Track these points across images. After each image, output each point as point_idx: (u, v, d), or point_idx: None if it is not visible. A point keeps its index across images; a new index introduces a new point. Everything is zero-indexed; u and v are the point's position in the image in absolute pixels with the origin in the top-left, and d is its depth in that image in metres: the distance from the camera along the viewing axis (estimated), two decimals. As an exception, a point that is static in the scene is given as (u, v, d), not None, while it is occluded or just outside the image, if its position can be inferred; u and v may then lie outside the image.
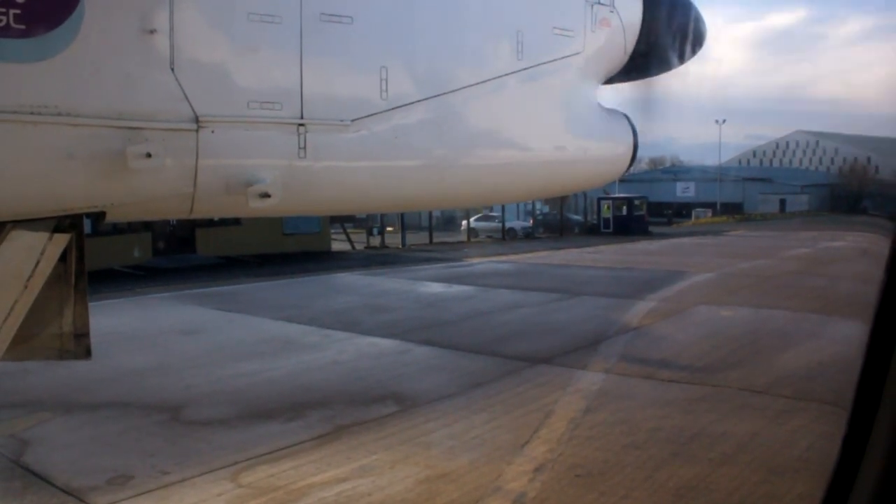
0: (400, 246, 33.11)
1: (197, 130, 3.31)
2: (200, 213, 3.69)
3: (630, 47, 5.27)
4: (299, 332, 12.09)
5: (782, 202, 78.41)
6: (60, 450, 6.54)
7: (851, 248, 29.27)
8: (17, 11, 2.87)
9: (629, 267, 23.15)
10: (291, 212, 4.50)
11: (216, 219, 21.48)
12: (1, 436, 6.81)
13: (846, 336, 10.82)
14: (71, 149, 3.09)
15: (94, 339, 3.65)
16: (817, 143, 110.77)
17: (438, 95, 4.10)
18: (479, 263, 25.18)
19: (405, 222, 35.38)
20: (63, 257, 3.42)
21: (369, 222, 34.86)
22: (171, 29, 3.21)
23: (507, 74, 4.40)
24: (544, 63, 4.61)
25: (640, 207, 46.24)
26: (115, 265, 20.74)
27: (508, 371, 9.28)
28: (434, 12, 4.31)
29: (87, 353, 3.64)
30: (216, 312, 14.42)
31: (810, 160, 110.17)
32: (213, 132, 3.35)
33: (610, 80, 5.46)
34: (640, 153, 5.52)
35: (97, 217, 3.46)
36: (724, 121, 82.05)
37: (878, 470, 1.46)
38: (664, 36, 5.47)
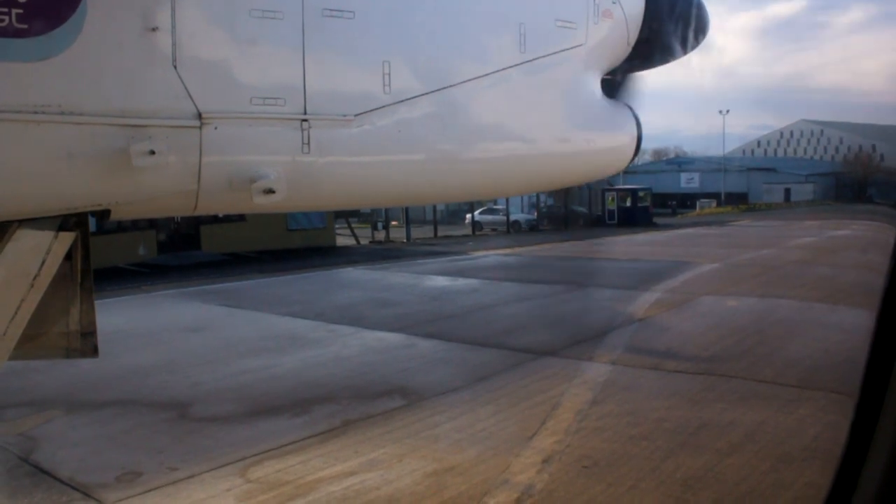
0: (404, 240, 33.14)
1: (200, 127, 3.31)
2: (204, 209, 3.68)
3: (633, 38, 5.25)
4: (305, 328, 12.11)
5: (787, 192, 78.19)
6: (69, 447, 6.57)
7: (857, 236, 29.20)
8: (20, 11, 2.87)
9: (634, 258, 23.13)
10: (296, 208, 4.49)
11: (220, 215, 21.50)
12: (9, 434, 6.84)
13: (852, 325, 10.81)
14: (74, 147, 3.09)
15: (101, 338, 3.66)
16: (822, 132, 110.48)
17: (441, 89, 4.09)
18: (484, 256, 25.19)
19: (409, 216, 35.41)
20: (69, 256, 3.43)
21: (374, 217, 34.90)
22: (174, 26, 3.21)
23: (509, 67, 4.39)
24: (547, 55, 4.59)
25: (644, 199, 46.22)
26: (121, 263, 20.79)
27: (514, 363, 9.29)
28: (436, 6, 4.30)
29: (93, 352, 3.64)
30: (221, 309, 14.45)
31: (815, 149, 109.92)
32: (216, 129, 3.35)
33: (613, 72, 5.45)
34: (644, 144, 5.51)
35: (102, 215, 3.47)
36: (727, 111, 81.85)
37: (885, 458, 1.46)
38: (667, 26, 5.45)
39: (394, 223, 35.99)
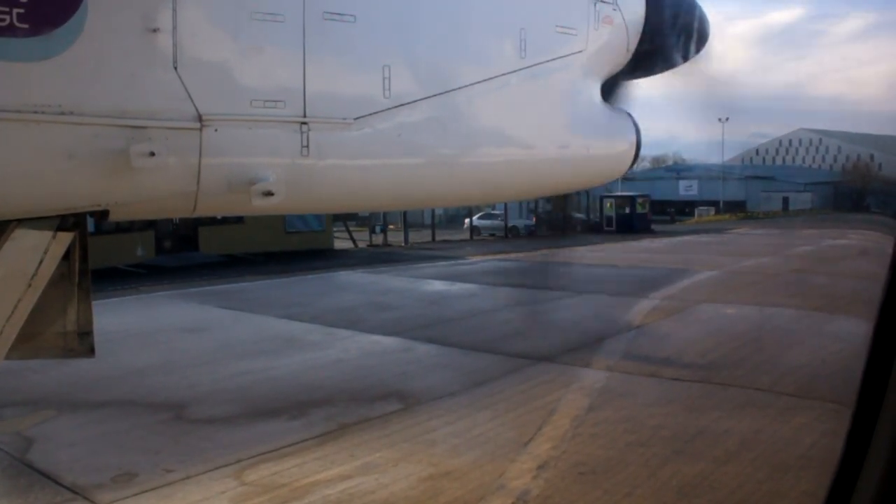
0: (402, 244, 33.11)
1: (200, 129, 3.31)
2: (203, 211, 3.68)
3: (633, 46, 5.25)
4: (302, 330, 12.10)
5: (785, 200, 78.19)
6: (65, 448, 6.55)
7: (855, 246, 29.22)
8: (21, 11, 2.87)
9: (632, 265, 23.14)
10: (294, 210, 4.49)
11: (219, 217, 21.49)
12: (5, 434, 6.82)
13: (850, 334, 10.81)
14: (74, 148, 3.09)
15: (98, 338, 3.66)
16: (820, 140, 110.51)
17: (441, 94, 4.09)
18: (482, 261, 25.18)
19: (408, 220, 35.39)
20: (67, 256, 3.42)
21: (372, 220, 34.87)
22: (175, 28, 3.21)
23: (509, 72, 4.39)
24: (547, 61, 4.60)
25: (642, 205, 46.21)
26: (119, 264, 20.76)
27: (511, 369, 9.28)
28: (437, 10, 4.31)
29: (90, 352, 3.64)
30: (219, 310, 14.44)
31: (813, 158, 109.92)
32: (216, 131, 3.35)
33: (613, 79, 5.45)
34: (643, 151, 5.51)
35: (100, 216, 3.47)
36: (727, 119, 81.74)
37: (881, 467, 1.46)
38: (667, 34, 5.46)
39: (392, 227, 35.94)
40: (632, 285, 17.51)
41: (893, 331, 1.51)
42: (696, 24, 5.59)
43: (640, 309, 13.83)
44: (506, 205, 39.43)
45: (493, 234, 41.99)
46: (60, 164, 3.09)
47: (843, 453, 1.58)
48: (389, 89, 3.86)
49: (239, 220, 23.72)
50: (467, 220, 42.84)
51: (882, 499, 1.45)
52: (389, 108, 3.89)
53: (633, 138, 5.32)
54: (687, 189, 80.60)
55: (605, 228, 43.86)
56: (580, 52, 4.79)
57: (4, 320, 3.26)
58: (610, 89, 5.40)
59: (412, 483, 5.70)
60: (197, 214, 3.76)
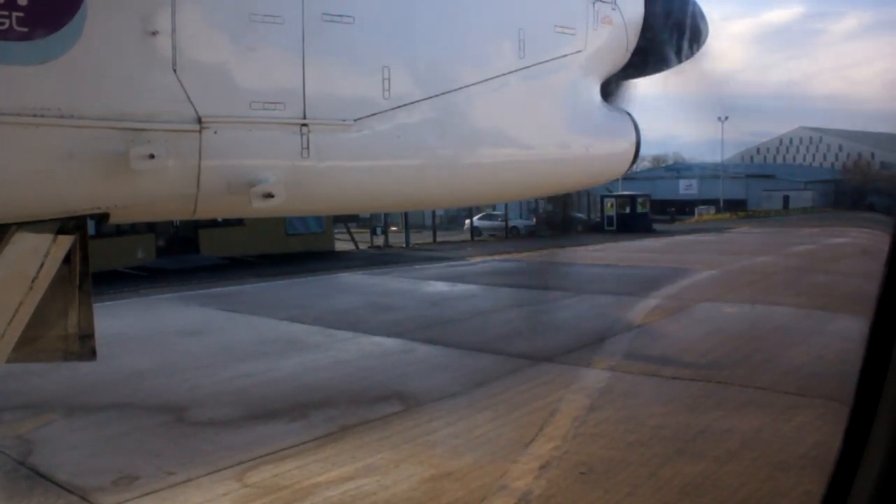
0: (403, 245, 33.12)
1: (200, 131, 3.31)
2: (204, 213, 3.68)
3: (632, 45, 5.25)
4: (303, 332, 12.09)
5: (786, 199, 78.15)
6: (66, 451, 6.56)
7: (855, 244, 29.19)
8: (20, 14, 2.88)
9: (632, 264, 23.13)
10: (295, 212, 4.50)
11: (219, 219, 21.49)
12: (7, 437, 6.83)
13: (850, 333, 10.80)
14: (74, 150, 3.10)
15: (99, 341, 3.66)
16: (820, 139, 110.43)
17: (441, 94, 4.09)
18: (483, 262, 25.19)
19: (408, 221, 35.40)
20: (67, 259, 3.43)
21: (373, 222, 34.90)
22: (174, 30, 3.21)
23: (509, 73, 4.39)
24: (546, 61, 4.60)
25: (643, 205, 46.21)
26: (119, 266, 20.76)
27: (512, 369, 9.28)
28: (436, 11, 4.31)
29: (91, 355, 3.64)
30: (220, 313, 14.44)
31: (814, 156, 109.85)
32: (215, 133, 3.35)
33: (612, 78, 5.45)
34: (643, 151, 5.51)
35: (101, 218, 3.47)
36: (726, 118, 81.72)
37: (878, 465, 1.46)
38: (666, 33, 5.46)
39: (393, 228, 35.95)
40: (632, 285, 17.50)
41: (890, 328, 1.51)
42: (694, 23, 5.59)
43: (641, 308, 13.83)
44: (506, 205, 39.46)
45: (493, 235, 41.98)
46: (60, 168, 3.10)
47: (840, 451, 1.58)
48: (389, 90, 3.86)
49: (239, 222, 23.71)
50: (468, 221, 42.85)
51: (879, 496, 1.46)
52: (389, 110, 3.89)
53: (633, 137, 5.32)
54: (687, 188, 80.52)
55: (606, 228, 43.85)
56: (579, 51, 4.79)
57: (5, 324, 3.26)
58: (612, 89, 5.40)
59: (414, 484, 5.71)
60: (197, 216, 3.76)
